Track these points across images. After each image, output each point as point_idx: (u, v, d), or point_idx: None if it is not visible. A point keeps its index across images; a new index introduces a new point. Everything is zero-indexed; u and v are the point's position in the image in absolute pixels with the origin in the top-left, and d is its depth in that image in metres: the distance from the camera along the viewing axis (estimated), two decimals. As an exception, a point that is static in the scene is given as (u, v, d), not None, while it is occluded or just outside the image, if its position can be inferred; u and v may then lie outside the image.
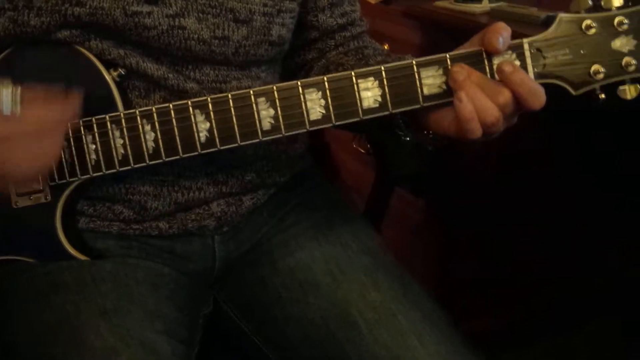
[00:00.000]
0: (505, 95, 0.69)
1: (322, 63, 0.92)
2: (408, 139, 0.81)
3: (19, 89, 0.69)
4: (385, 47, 1.19)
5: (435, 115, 0.74)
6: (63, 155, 0.75)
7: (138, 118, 0.74)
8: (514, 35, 0.70)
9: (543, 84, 0.70)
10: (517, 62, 0.70)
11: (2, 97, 0.68)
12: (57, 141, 0.71)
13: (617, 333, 1.41)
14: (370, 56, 0.89)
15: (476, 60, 0.70)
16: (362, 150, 1.08)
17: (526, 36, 0.70)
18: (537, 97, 0.69)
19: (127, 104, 0.78)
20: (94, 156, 0.75)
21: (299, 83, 0.72)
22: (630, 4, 0.68)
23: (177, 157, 0.75)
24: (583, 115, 1.22)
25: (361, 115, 0.72)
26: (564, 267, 1.41)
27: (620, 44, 0.69)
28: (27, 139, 0.69)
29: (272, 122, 0.73)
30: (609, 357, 1.40)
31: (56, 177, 0.76)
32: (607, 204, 1.35)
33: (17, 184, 0.76)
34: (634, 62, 0.69)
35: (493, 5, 1.23)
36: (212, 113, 0.73)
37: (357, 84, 0.71)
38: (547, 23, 0.70)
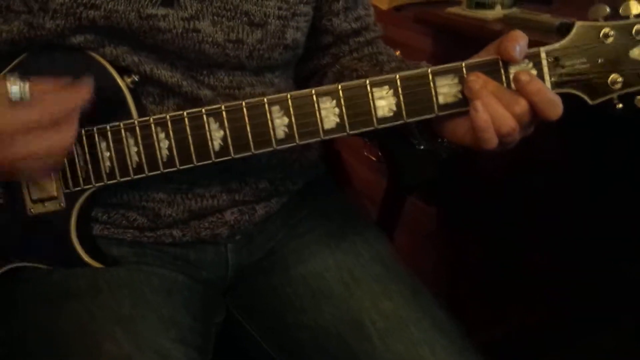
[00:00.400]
0: (521, 105, 0.68)
1: (336, 69, 0.92)
2: (422, 147, 0.81)
3: (27, 82, 0.68)
4: (397, 54, 1.19)
5: (451, 124, 0.74)
6: (78, 163, 0.75)
7: (152, 126, 0.74)
8: (528, 42, 0.70)
9: (560, 94, 0.69)
10: (534, 71, 0.69)
11: (11, 88, 0.67)
12: (71, 130, 0.68)
13: (631, 339, 1.40)
14: (385, 62, 0.89)
15: (492, 69, 0.70)
16: (374, 158, 1.08)
17: (539, 43, 0.70)
18: (554, 107, 0.68)
19: (141, 111, 0.78)
20: (108, 164, 0.75)
21: (313, 91, 0.72)
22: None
23: (192, 165, 0.75)
24: (597, 123, 1.21)
25: (376, 125, 0.72)
26: (577, 275, 1.40)
27: (638, 52, 0.68)
28: (40, 130, 0.67)
29: (286, 130, 0.73)
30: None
31: (71, 184, 0.76)
32: (621, 212, 1.34)
33: (31, 181, 0.74)
34: (652, 71, 0.68)
35: (506, 11, 1.23)
36: (226, 121, 0.73)
37: (372, 92, 0.71)
38: (560, 29, 0.70)
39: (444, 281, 1.46)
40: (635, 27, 0.68)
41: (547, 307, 1.43)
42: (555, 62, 0.69)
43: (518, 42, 0.68)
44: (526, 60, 0.69)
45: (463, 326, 0.83)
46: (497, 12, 1.23)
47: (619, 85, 0.68)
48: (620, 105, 0.69)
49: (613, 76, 0.68)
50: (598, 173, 1.33)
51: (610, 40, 0.68)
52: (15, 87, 0.67)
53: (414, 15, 1.33)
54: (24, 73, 0.76)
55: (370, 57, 0.92)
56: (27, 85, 0.67)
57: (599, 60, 0.68)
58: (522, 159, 1.36)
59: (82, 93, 0.69)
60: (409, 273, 0.88)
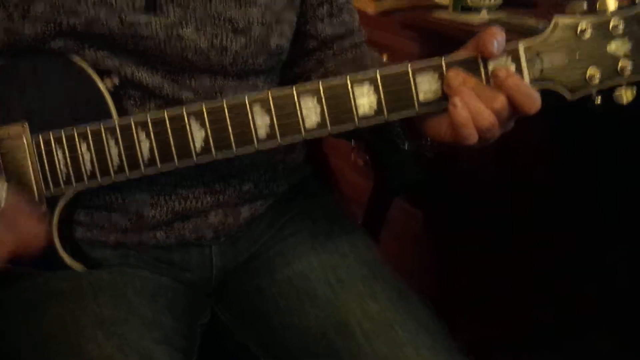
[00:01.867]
0: (500, 101, 0.68)
1: (321, 73, 0.92)
2: (407, 147, 0.81)
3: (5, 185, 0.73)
4: (384, 58, 1.20)
5: (432, 122, 0.74)
6: (58, 165, 0.75)
7: (133, 127, 0.74)
8: (505, 38, 0.70)
9: (539, 90, 0.70)
10: (513, 67, 0.69)
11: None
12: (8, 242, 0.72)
13: (615, 343, 1.40)
14: (369, 66, 0.89)
15: (472, 66, 0.70)
16: (361, 161, 1.08)
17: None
18: (532, 101, 0.68)
19: (122, 113, 0.77)
20: (89, 165, 0.75)
21: (294, 90, 0.72)
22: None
23: (173, 165, 0.75)
24: (584, 126, 1.22)
25: (357, 122, 0.72)
26: (563, 277, 1.40)
27: (615, 47, 0.68)
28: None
29: (268, 130, 0.72)
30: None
31: (51, 186, 0.76)
32: (609, 214, 1.35)
33: None
34: (629, 65, 0.68)
35: (491, 15, 1.24)
36: (207, 121, 0.73)
37: (353, 90, 0.71)
38: (545, 30, 0.70)
39: (430, 283, 1.46)
40: (612, 22, 0.68)
41: (532, 308, 1.43)
42: (533, 58, 0.69)
43: (496, 38, 0.68)
44: (505, 56, 0.69)
45: (448, 327, 0.83)
46: (483, 16, 1.24)
47: (596, 80, 0.68)
48: (599, 101, 0.69)
49: (591, 71, 0.68)
50: (585, 173, 1.33)
51: (587, 35, 0.68)
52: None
53: (400, 19, 1.34)
54: (4, 77, 0.77)
55: (354, 60, 0.92)
56: (4, 188, 0.72)
57: (577, 56, 0.69)
58: (509, 164, 1.36)
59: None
60: (395, 275, 0.87)
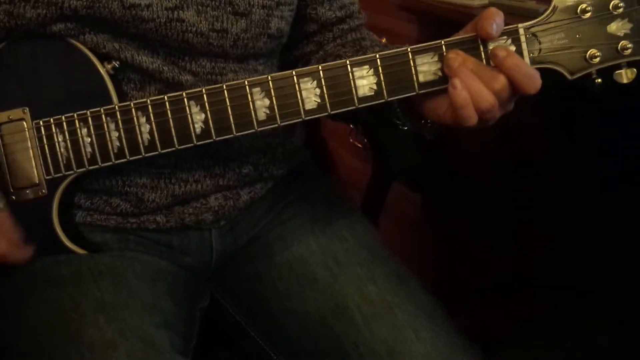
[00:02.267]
0: (500, 81, 0.68)
1: (320, 55, 0.92)
2: (406, 128, 0.81)
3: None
4: (383, 41, 1.19)
5: (432, 103, 0.74)
6: (58, 149, 0.75)
7: (133, 110, 0.74)
8: (504, 19, 0.70)
9: (539, 69, 0.70)
10: (513, 48, 0.69)
11: None
12: None
13: (616, 334, 1.40)
14: (368, 47, 0.89)
15: (471, 47, 0.70)
16: (359, 145, 1.07)
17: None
18: (533, 81, 0.68)
19: (122, 97, 0.77)
20: (89, 149, 0.75)
21: (293, 72, 0.72)
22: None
23: (173, 148, 0.75)
24: (585, 109, 1.21)
25: (357, 104, 0.72)
26: (564, 264, 1.40)
27: (616, 27, 0.68)
28: None
29: (268, 112, 0.73)
30: (606, 354, 1.40)
31: (52, 170, 0.76)
32: (610, 200, 1.35)
33: None
34: (630, 45, 0.68)
35: (490, -2, 1.23)
36: (207, 104, 0.73)
37: (352, 72, 0.71)
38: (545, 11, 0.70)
39: (429, 267, 1.46)
40: (612, 3, 0.68)
41: (533, 295, 1.44)
42: (533, 38, 0.69)
43: (494, 20, 0.69)
44: (505, 37, 0.69)
45: (448, 311, 0.83)
46: (482, -1, 1.23)
47: (597, 60, 0.69)
48: (599, 80, 0.69)
49: (591, 51, 0.69)
50: (587, 157, 1.33)
51: (587, 15, 0.68)
52: None
53: (399, 2, 1.33)
54: (4, 61, 0.76)
55: (354, 42, 0.92)
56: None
57: (577, 36, 0.69)
58: (508, 147, 1.36)
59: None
60: (394, 258, 0.88)
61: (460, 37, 0.70)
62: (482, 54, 0.70)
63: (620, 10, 0.68)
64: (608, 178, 1.31)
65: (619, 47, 0.68)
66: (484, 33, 0.69)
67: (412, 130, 0.81)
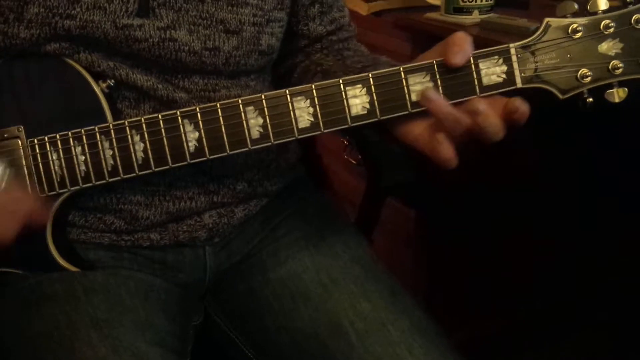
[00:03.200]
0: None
1: (305, 64, 0.93)
2: (374, 140, 0.81)
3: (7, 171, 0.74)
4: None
5: (406, 125, 0.74)
6: (53, 167, 0.75)
7: (127, 129, 0.74)
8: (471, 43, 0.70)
9: (531, 89, 0.70)
10: (504, 67, 0.70)
11: None
12: (12, 226, 0.72)
13: (607, 339, 1.40)
14: (348, 57, 0.90)
15: (464, 66, 0.70)
16: (353, 161, 1.08)
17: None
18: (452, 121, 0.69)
19: (117, 115, 0.78)
20: (83, 167, 0.75)
21: (287, 91, 0.72)
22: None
23: (167, 167, 0.75)
24: (576, 126, 1.22)
25: (350, 123, 0.72)
26: (555, 276, 1.41)
27: (607, 47, 0.69)
28: None
29: (261, 130, 0.73)
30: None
31: (46, 188, 0.76)
32: (601, 210, 1.35)
33: None
34: (620, 65, 0.69)
35: (483, 16, 1.24)
36: (201, 123, 0.73)
37: (345, 91, 0.71)
38: (537, 31, 0.70)
39: (423, 283, 1.46)
40: (603, 22, 0.69)
41: (527, 308, 1.44)
42: (524, 58, 0.70)
43: (459, 46, 0.69)
44: (496, 57, 0.70)
45: (441, 327, 0.83)
46: (475, 17, 1.24)
47: (588, 80, 0.69)
48: (591, 100, 0.70)
49: (582, 70, 0.69)
50: (583, 172, 1.34)
51: (578, 35, 0.69)
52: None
53: (393, 20, 1.34)
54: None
55: (337, 52, 0.93)
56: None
57: (568, 55, 0.69)
58: (501, 162, 1.37)
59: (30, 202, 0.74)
60: (388, 274, 0.88)
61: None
62: (474, 73, 0.70)
63: (611, 30, 0.69)
64: (604, 191, 1.32)
65: (610, 67, 0.69)
66: (447, 60, 0.69)
67: (380, 143, 0.81)
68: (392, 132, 0.75)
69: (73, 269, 0.80)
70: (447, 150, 0.71)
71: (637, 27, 0.68)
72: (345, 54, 0.91)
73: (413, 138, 0.74)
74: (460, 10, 1.24)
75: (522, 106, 0.68)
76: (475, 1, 1.24)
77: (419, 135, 0.73)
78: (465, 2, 1.24)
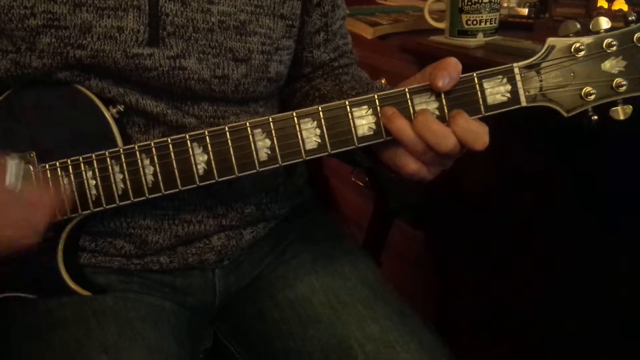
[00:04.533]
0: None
1: (305, 89, 0.94)
2: (366, 165, 0.82)
3: (23, 165, 0.75)
4: (383, 81, 1.21)
5: (390, 150, 0.74)
6: (64, 192, 0.76)
7: (137, 153, 0.75)
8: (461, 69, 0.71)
9: (536, 107, 0.71)
10: (509, 87, 0.70)
11: (11, 170, 0.73)
12: (43, 219, 0.72)
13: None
14: (345, 82, 0.91)
15: (467, 85, 0.71)
16: (361, 183, 1.08)
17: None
18: (444, 142, 0.69)
19: (127, 140, 0.79)
20: (94, 192, 0.76)
21: (294, 114, 0.73)
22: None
23: (176, 190, 0.75)
24: (588, 149, 1.22)
25: (356, 143, 0.73)
26: (567, 299, 1.39)
27: (610, 65, 0.70)
28: (19, 208, 0.71)
29: (269, 152, 0.73)
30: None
31: (57, 213, 0.76)
32: (611, 238, 1.34)
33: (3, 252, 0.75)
34: (624, 82, 0.69)
35: (487, 39, 1.25)
36: (209, 145, 0.74)
37: (352, 112, 0.72)
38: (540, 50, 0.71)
39: (432, 305, 1.45)
40: (606, 41, 0.69)
41: (537, 330, 1.42)
42: (528, 77, 0.70)
43: (448, 72, 0.70)
44: (500, 76, 0.71)
45: (451, 349, 0.83)
46: (479, 39, 1.25)
47: (592, 97, 0.70)
48: (595, 117, 0.70)
49: (586, 89, 0.70)
50: (590, 193, 1.33)
51: (581, 54, 0.70)
52: (15, 165, 0.73)
53: (398, 43, 1.35)
54: (11, 107, 0.78)
55: (335, 77, 0.94)
56: (22, 168, 0.74)
57: (572, 74, 0.70)
58: (509, 186, 1.37)
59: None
60: (396, 296, 0.88)
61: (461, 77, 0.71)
62: (479, 92, 0.71)
63: (614, 48, 0.69)
64: (611, 213, 1.31)
65: (613, 85, 0.69)
66: (433, 84, 0.70)
67: (369, 166, 0.82)
68: (381, 160, 0.76)
69: (84, 292, 0.81)
70: (405, 161, 0.72)
71: (640, 45, 0.69)
72: (343, 79, 0.93)
73: (397, 167, 0.74)
74: (464, 33, 1.25)
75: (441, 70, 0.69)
76: (480, 24, 1.25)
77: (402, 164, 0.74)
78: (470, 24, 1.25)
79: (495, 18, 1.25)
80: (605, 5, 1.34)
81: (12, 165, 0.73)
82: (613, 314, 1.32)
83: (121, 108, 0.79)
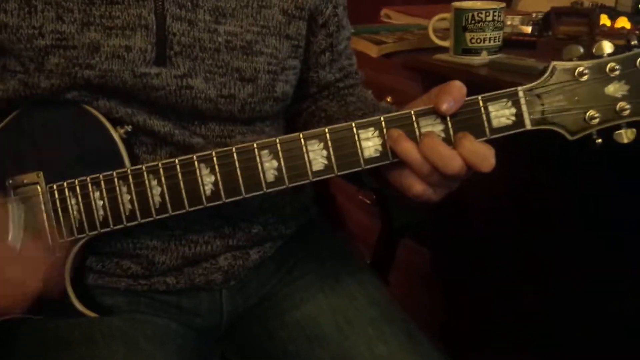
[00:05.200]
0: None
1: (311, 110, 0.95)
2: (373, 187, 0.81)
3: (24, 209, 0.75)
4: (388, 99, 1.22)
5: (397, 171, 0.74)
6: (71, 212, 0.77)
7: (145, 173, 0.75)
8: (512, 86, 0.72)
9: (541, 130, 0.71)
10: (513, 110, 0.71)
11: (14, 218, 0.74)
12: (38, 277, 0.73)
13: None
14: (351, 103, 0.92)
15: (472, 108, 0.71)
16: (368, 201, 1.08)
17: (524, 86, 0.71)
18: (450, 164, 0.70)
19: (134, 160, 0.79)
20: (101, 212, 0.76)
21: (301, 135, 0.73)
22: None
23: (184, 210, 0.76)
24: (590, 170, 1.22)
25: (363, 165, 0.73)
26: (574, 316, 1.39)
27: (613, 89, 0.70)
28: (15, 264, 0.72)
29: (276, 173, 0.74)
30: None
31: (65, 234, 0.77)
32: (615, 257, 1.34)
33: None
34: (628, 106, 0.70)
35: (492, 57, 1.26)
36: (217, 166, 0.74)
37: (358, 134, 0.73)
38: (544, 73, 0.72)
39: (440, 322, 1.45)
40: (609, 65, 0.70)
41: (544, 350, 1.41)
42: (533, 101, 0.71)
43: (452, 96, 0.70)
44: (505, 99, 0.71)
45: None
46: (483, 57, 1.26)
47: (596, 121, 0.70)
48: (600, 140, 0.70)
49: (590, 112, 0.70)
50: (595, 214, 1.33)
51: (585, 78, 0.70)
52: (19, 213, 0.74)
53: (402, 61, 1.35)
54: (19, 127, 0.79)
55: (341, 98, 0.95)
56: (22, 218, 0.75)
57: (576, 98, 0.70)
58: (515, 203, 1.37)
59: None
60: (404, 316, 0.88)
61: (465, 100, 0.72)
62: (484, 115, 0.71)
63: (617, 72, 0.70)
64: (615, 234, 1.31)
65: (617, 108, 0.70)
66: (437, 108, 0.71)
67: (371, 185, 0.82)
68: (388, 181, 0.76)
69: (91, 314, 0.81)
70: (411, 182, 0.72)
71: (643, 69, 0.70)
72: (349, 100, 0.93)
73: (405, 188, 0.74)
74: (468, 52, 1.26)
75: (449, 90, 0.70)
76: (484, 42, 1.25)
77: (409, 185, 0.74)
78: (474, 43, 1.25)
79: (499, 36, 1.25)
80: (608, 24, 1.35)
81: (15, 212, 0.74)
82: (618, 332, 1.32)
83: (129, 128, 0.79)
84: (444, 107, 0.70)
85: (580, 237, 1.32)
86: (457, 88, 0.71)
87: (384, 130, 0.72)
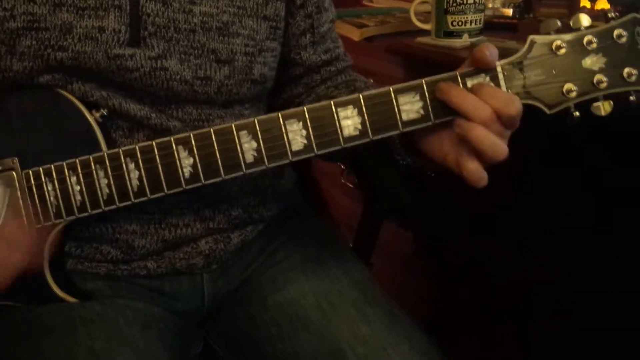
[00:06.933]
0: (486, 110, 0.68)
1: (312, 98, 0.93)
2: (405, 163, 0.80)
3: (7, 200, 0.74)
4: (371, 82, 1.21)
5: (436, 140, 0.73)
6: (48, 198, 0.76)
7: (122, 157, 0.75)
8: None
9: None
10: (492, 84, 0.71)
11: None
12: (21, 252, 0.74)
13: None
14: (363, 89, 0.90)
15: (451, 83, 0.71)
16: (350, 185, 1.08)
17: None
18: (511, 104, 0.68)
19: (111, 144, 0.78)
20: (79, 197, 0.75)
21: (279, 114, 0.73)
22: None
23: (162, 194, 0.75)
24: (582, 147, 1.22)
25: (342, 144, 0.73)
26: (561, 300, 1.39)
27: (590, 62, 0.70)
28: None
29: (255, 154, 0.73)
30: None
31: (42, 219, 0.76)
32: (609, 237, 1.34)
33: None
34: (605, 79, 0.70)
35: (473, 39, 1.26)
36: (195, 148, 0.74)
37: (337, 112, 0.72)
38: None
39: (423, 305, 1.45)
40: (586, 38, 0.70)
41: (532, 332, 1.42)
42: (511, 75, 0.70)
43: (489, 49, 0.70)
44: (483, 74, 0.71)
45: (443, 352, 0.82)
46: (465, 40, 1.26)
47: (574, 94, 0.70)
48: (577, 114, 0.70)
49: (567, 85, 0.70)
50: (584, 192, 1.34)
51: (562, 51, 0.70)
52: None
53: (385, 45, 1.35)
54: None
55: (347, 84, 0.94)
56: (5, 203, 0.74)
57: (553, 71, 0.70)
58: (500, 184, 1.36)
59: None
60: (386, 297, 0.88)
61: (441, 75, 0.72)
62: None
63: (594, 45, 0.70)
64: (606, 214, 1.32)
65: (594, 81, 0.70)
66: (482, 62, 0.70)
67: (412, 165, 0.80)
68: (425, 152, 0.75)
69: (71, 299, 0.80)
70: (471, 166, 0.69)
71: (619, 41, 0.70)
72: (357, 85, 0.92)
73: (442, 156, 0.73)
74: (450, 34, 1.26)
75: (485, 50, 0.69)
76: (465, 25, 1.25)
77: (448, 152, 0.72)
78: (455, 26, 1.25)
79: (480, 19, 1.25)
80: (588, 5, 1.35)
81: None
82: (613, 315, 1.32)
83: (105, 112, 0.78)
84: (487, 56, 0.69)
85: (572, 214, 1.33)
86: (490, 45, 0.70)
87: (364, 108, 0.72)
